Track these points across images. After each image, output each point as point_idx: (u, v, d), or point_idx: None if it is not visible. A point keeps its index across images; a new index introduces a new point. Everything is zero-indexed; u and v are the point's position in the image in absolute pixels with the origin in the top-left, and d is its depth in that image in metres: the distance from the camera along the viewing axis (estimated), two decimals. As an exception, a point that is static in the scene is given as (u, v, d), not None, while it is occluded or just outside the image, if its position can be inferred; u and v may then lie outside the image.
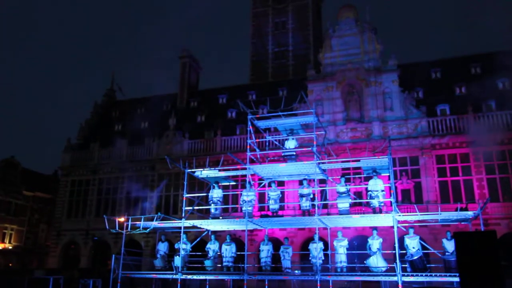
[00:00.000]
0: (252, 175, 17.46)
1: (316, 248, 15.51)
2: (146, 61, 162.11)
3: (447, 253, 14.83)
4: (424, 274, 14.03)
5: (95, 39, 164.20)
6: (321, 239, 16.73)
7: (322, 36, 38.55)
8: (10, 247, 48.39)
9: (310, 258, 16.08)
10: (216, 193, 17.34)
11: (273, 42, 51.89)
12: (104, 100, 46.04)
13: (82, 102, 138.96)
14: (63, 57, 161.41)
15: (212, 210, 17.28)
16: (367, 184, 16.40)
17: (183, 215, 17.18)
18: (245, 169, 16.96)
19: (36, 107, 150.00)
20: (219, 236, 19.26)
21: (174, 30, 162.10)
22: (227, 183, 19.15)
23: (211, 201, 17.34)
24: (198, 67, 45.92)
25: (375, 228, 15.99)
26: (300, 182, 17.40)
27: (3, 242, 47.60)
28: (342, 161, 19.33)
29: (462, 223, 16.96)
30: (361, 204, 22.26)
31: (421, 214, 15.78)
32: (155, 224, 17.65)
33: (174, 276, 16.46)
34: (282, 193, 18.20)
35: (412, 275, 14.10)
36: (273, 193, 16.98)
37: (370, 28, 33.20)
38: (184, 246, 17.17)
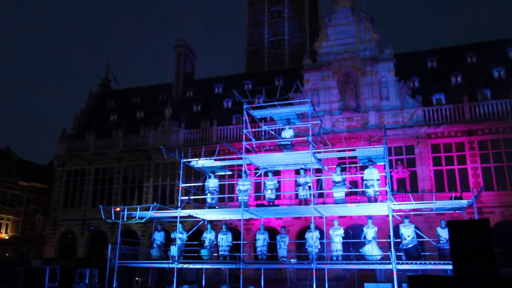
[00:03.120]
0: (248, 164, 17.48)
1: (312, 237, 15.59)
2: (142, 51, 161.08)
3: (441, 241, 14.96)
4: (418, 262, 14.16)
5: (90, 29, 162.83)
6: (317, 228, 16.82)
7: (318, 25, 38.38)
8: (7, 237, 48.43)
9: (306, 247, 16.17)
10: (212, 183, 17.36)
11: (269, 31, 51.60)
12: (99, 90, 45.82)
13: (77, 92, 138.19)
14: (58, 47, 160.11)
15: (208, 200, 17.32)
16: (362, 173, 16.46)
17: (179, 204, 17.21)
18: (241, 158, 16.97)
19: (31, 97, 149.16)
20: (215, 225, 19.32)
21: (169, 20, 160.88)
22: (223, 173, 19.17)
23: (207, 191, 17.37)
24: (193, 56, 45.70)
25: (370, 217, 16.09)
26: (296, 172, 17.45)
27: (-1, 232, 47.67)
28: (338, 151, 19.36)
29: (457, 211, 17.08)
30: (356, 193, 22.41)
31: (416, 203, 15.90)
32: (151, 214, 17.69)
33: (171, 265, 16.55)
34: (279, 182, 18.22)
35: (407, 263, 14.23)
36: (270, 183, 17.01)
37: (367, 17, 33.05)
38: (180, 236, 17.22)
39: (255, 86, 37.37)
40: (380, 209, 15.73)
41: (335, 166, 17.23)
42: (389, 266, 14.14)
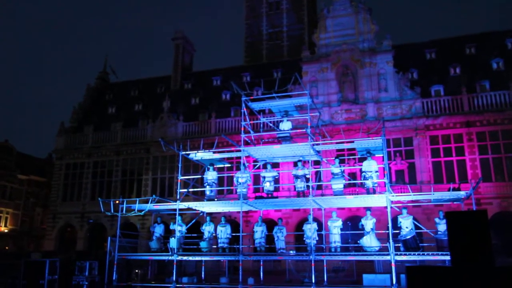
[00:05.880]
0: (246, 157, 17.48)
1: (310, 229, 15.64)
2: (140, 43, 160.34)
3: (439, 232, 15.03)
4: (416, 253, 14.23)
5: (88, 22, 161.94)
6: (315, 219, 16.87)
7: (317, 17, 38.20)
8: (6, 231, 48.53)
9: (304, 239, 16.24)
10: (210, 175, 17.35)
11: (267, 23, 51.33)
12: (97, 83, 45.68)
13: (76, 85, 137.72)
14: (56, 40, 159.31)
15: (207, 192, 17.32)
16: (361, 165, 16.48)
17: (178, 197, 17.23)
18: (239, 151, 16.97)
19: (29, 90, 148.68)
20: (214, 217, 19.37)
21: (168, 12, 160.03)
22: (222, 165, 19.18)
23: (206, 183, 17.37)
24: (191, 48, 45.52)
25: (368, 208, 16.13)
26: (295, 164, 17.45)
27: (-1, 225, 47.78)
28: (337, 143, 19.38)
29: (455, 202, 17.16)
30: (355, 185, 22.44)
31: (414, 195, 15.93)
32: (150, 206, 17.71)
33: (170, 258, 16.60)
34: (278, 174, 18.24)
35: (405, 254, 14.30)
36: (269, 174, 17.01)
37: (365, 8, 32.95)
38: (179, 228, 17.27)
39: (254, 78, 37.27)
40: (378, 200, 15.78)
41: (334, 158, 17.24)
42: (388, 257, 14.21)
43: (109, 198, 31.91)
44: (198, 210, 18.76)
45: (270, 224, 18.26)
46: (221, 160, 18.57)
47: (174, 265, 16.48)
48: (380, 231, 17.23)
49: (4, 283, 19.15)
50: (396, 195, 15.57)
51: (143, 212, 18.21)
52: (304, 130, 16.14)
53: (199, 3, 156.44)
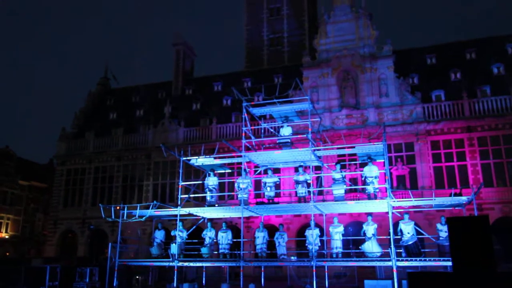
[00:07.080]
0: (247, 162, 17.49)
1: (312, 235, 15.61)
2: (140, 49, 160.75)
3: (441, 238, 14.99)
4: (418, 259, 14.19)
5: (89, 26, 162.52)
6: (317, 225, 16.84)
7: (317, 22, 38.29)
8: (7, 237, 48.44)
9: (306, 245, 16.21)
10: (211, 181, 17.36)
11: (268, 29, 51.47)
12: (98, 88, 45.77)
13: (77, 91, 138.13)
14: (57, 45, 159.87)
15: (208, 198, 17.33)
16: (362, 171, 16.47)
17: (179, 203, 17.22)
18: (240, 156, 16.98)
19: (30, 96, 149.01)
20: (216, 223, 19.33)
21: (168, 17, 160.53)
22: (223, 171, 19.18)
23: (206, 189, 17.38)
24: (192, 54, 45.62)
25: (370, 214, 16.10)
26: (296, 169, 17.45)
27: (-1, 231, 47.70)
28: (338, 148, 19.36)
29: (457, 208, 17.13)
30: (356, 190, 22.41)
31: (415, 200, 15.90)
32: (151, 212, 17.70)
33: (171, 264, 16.57)
34: (279, 179, 18.24)
35: (407, 260, 14.26)
36: (270, 180, 17.01)
37: (365, 14, 33.03)
38: (180, 234, 17.24)
39: (254, 84, 37.33)
40: (380, 206, 15.76)
41: (335, 164, 17.24)
42: (389, 263, 14.16)
43: (110, 204, 31.87)
44: (199, 216, 18.74)
45: (271, 230, 18.21)
46: (222, 166, 18.58)
47: (175, 271, 16.45)
48: (381, 237, 17.19)
49: (5, 289, 19.13)
50: (398, 201, 15.55)
51: (144, 218, 18.20)
52: (305, 135, 16.16)
53: (199, 8, 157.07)
